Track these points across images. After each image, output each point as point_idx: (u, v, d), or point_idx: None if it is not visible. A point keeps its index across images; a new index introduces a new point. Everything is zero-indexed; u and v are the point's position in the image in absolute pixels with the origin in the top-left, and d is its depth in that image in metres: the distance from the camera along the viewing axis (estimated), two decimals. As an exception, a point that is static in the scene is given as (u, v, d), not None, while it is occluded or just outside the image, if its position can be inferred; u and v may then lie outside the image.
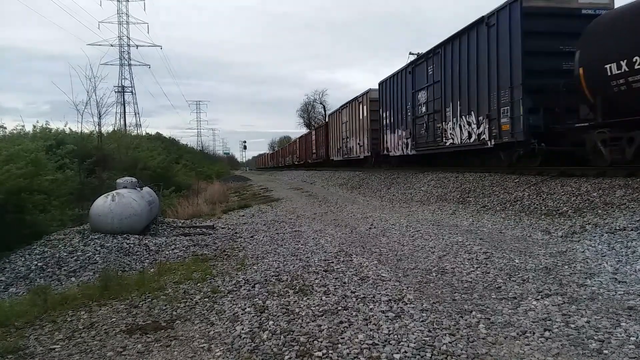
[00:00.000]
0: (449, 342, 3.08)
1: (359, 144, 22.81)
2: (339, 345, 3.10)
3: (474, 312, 3.61)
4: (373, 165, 21.73)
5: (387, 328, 3.35)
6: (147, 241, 7.02)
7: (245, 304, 4.05)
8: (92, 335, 3.55)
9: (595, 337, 3.06)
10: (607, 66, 8.04)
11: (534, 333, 3.18)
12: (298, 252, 6.13)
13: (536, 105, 9.93)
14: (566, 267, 4.82)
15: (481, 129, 11.71)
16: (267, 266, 5.43)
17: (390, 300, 3.97)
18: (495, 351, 2.94)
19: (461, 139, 12.85)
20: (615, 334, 3.09)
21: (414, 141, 16.41)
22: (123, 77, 52.41)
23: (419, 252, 5.85)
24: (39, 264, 5.74)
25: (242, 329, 3.47)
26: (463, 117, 12.67)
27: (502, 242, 6.24)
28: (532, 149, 10.12)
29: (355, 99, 23.18)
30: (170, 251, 6.63)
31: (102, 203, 7.29)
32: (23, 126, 13.55)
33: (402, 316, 3.58)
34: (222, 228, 8.98)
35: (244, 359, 3.00)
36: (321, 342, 3.17)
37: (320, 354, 2.98)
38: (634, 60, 7.55)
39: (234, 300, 4.20)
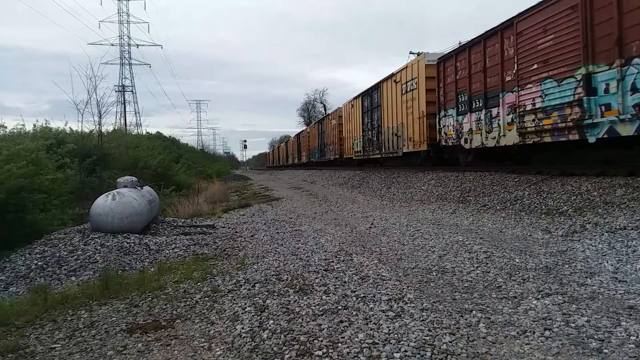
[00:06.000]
0: (449, 342, 3.08)
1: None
2: (339, 344, 3.10)
3: (474, 312, 3.61)
4: None
5: (387, 327, 3.35)
6: (147, 240, 7.02)
7: (245, 303, 4.05)
8: (93, 334, 3.55)
9: (596, 337, 3.06)
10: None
11: (534, 332, 3.18)
12: (298, 252, 6.13)
13: None
14: (566, 266, 4.81)
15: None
16: (268, 265, 5.43)
17: (390, 299, 3.97)
18: (496, 350, 2.94)
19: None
20: (615, 333, 3.09)
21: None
22: (123, 76, 52.54)
23: (419, 252, 5.84)
24: (39, 263, 5.74)
25: (243, 328, 3.47)
26: None
27: (502, 241, 6.23)
28: None
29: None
30: (170, 250, 6.63)
31: (103, 202, 7.29)
32: (23, 125, 13.57)
33: (402, 315, 3.58)
34: (223, 227, 8.98)
35: (244, 358, 3.00)
36: (321, 341, 3.17)
37: (320, 353, 2.98)
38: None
39: (234, 300, 4.20)
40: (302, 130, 46.41)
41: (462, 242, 6.13)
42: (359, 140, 22.82)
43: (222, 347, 3.18)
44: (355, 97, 23.54)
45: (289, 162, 55.26)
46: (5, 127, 12.81)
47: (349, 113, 25.04)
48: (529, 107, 9.66)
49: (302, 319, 3.60)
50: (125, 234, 7.04)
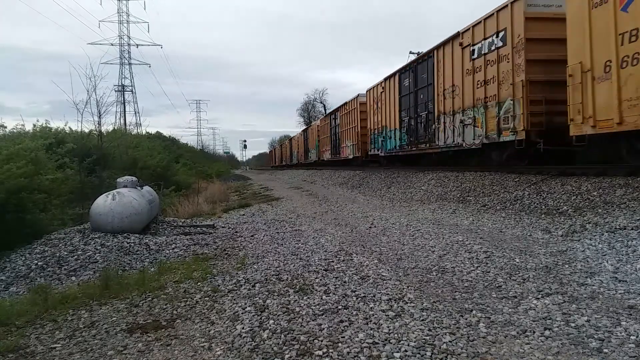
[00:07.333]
0: (449, 341, 3.08)
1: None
2: (340, 344, 3.10)
3: (474, 311, 3.61)
4: None
5: (388, 327, 3.35)
6: (147, 240, 7.02)
7: (245, 303, 4.05)
8: (93, 334, 3.55)
9: (596, 336, 3.06)
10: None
11: (534, 332, 3.18)
12: (298, 251, 6.13)
13: None
14: (566, 266, 4.82)
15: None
16: (268, 265, 5.43)
17: (390, 299, 3.97)
18: (496, 350, 2.94)
19: None
20: (615, 333, 3.09)
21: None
22: (123, 76, 52.66)
23: (420, 251, 5.85)
24: (39, 263, 5.74)
25: (243, 328, 3.47)
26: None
27: (502, 241, 6.24)
28: None
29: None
30: (170, 250, 6.63)
31: (103, 202, 7.29)
32: (23, 125, 13.57)
33: (402, 315, 3.58)
34: (223, 227, 8.98)
35: (245, 358, 3.00)
36: (321, 341, 3.17)
37: (320, 352, 2.99)
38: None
39: (234, 300, 4.20)
40: (341, 106, 27.05)
41: (462, 242, 6.14)
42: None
43: (222, 347, 3.18)
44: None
45: (309, 159, 37.30)
46: (5, 127, 12.83)
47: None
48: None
49: (302, 319, 3.60)
50: (125, 234, 7.04)
